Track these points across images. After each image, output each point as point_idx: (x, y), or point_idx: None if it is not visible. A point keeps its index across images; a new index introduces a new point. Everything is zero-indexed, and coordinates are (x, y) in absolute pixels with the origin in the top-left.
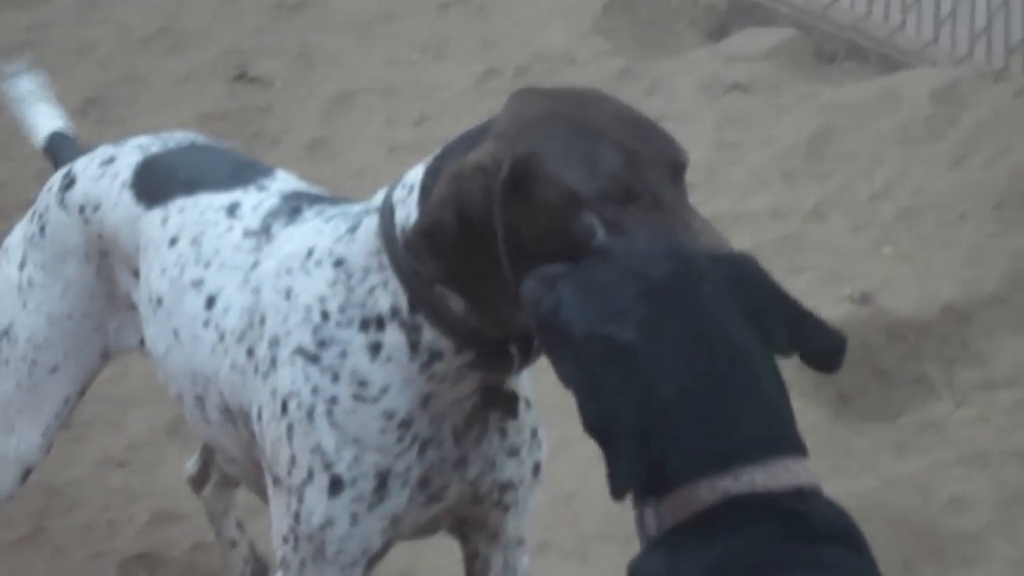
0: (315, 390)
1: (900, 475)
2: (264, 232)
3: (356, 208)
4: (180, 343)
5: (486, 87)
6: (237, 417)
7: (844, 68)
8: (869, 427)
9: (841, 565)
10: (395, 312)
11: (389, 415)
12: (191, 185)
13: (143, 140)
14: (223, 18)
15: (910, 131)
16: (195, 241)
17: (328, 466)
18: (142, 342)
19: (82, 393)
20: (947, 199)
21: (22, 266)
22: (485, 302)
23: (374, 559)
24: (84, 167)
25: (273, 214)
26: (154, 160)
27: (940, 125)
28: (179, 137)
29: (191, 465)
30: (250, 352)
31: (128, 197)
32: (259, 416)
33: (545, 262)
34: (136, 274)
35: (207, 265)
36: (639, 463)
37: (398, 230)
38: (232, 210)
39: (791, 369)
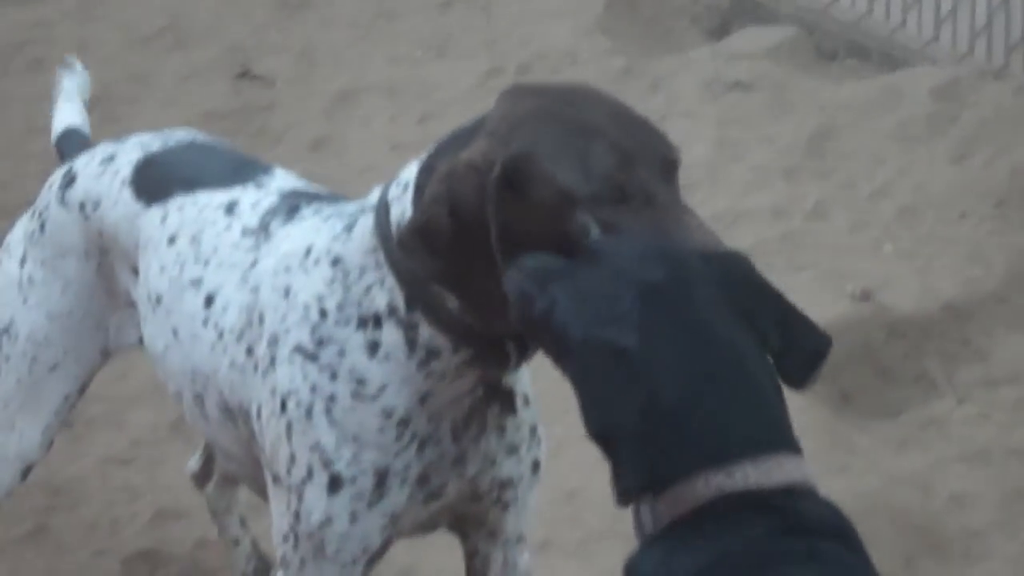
0: (314, 388)
1: (901, 472)
2: (262, 230)
3: (353, 206)
4: (179, 341)
5: (489, 85)
6: (237, 415)
7: (845, 66)
8: (870, 425)
9: (833, 562)
10: (392, 310)
11: (388, 413)
12: (190, 183)
13: (144, 138)
14: (226, 16)
15: (911, 129)
16: (194, 239)
17: (327, 464)
18: (142, 340)
19: (82, 391)
20: (948, 197)
21: (23, 263)
22: (478, 300)
23: (374, 557)
24: (84, 164)
25: (271, 212)
26: (154, 158)
27: (941, 123)
28: (180, 135)
29: (194, 462)
30: (249, 350)
31: (128, 195)
32: (258, 414)
33: None
34: (135, 272)
35: (206, 263)
36: (644, 469)
37: (393, 228)
38: (231, 208)
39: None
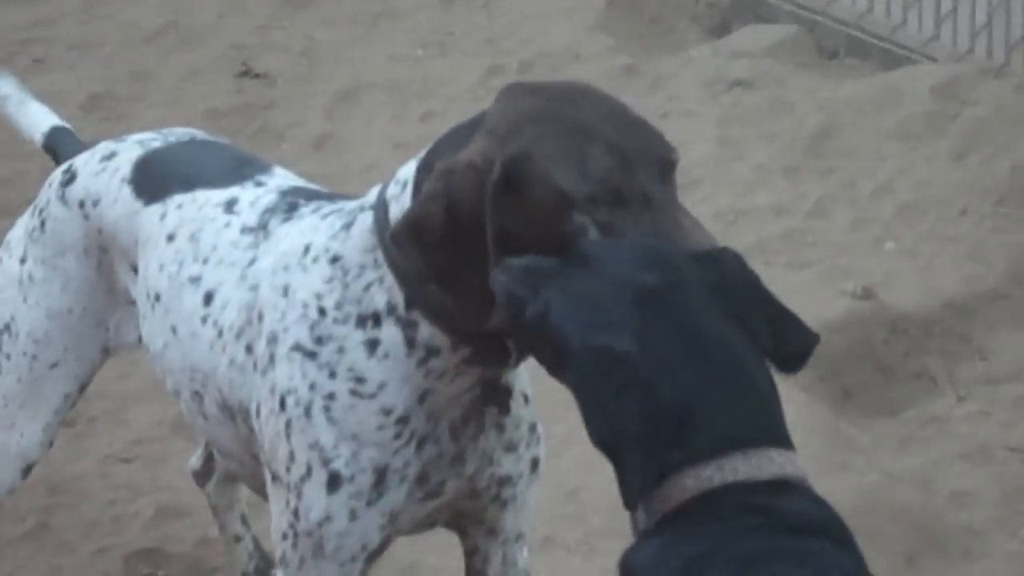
0: (313, 386)
1: (902, 470)
2: (262, 228)
3: (352, 205)
4: (178, 339)
5: (490, 83)
6: (236, 413)
7: (846, 64)
8: (871, 422)
9: (820, 558)
10: (391, 308)
11: (387, 411)
12: (189, 181)
13: (144, 136)
14: (228, 14)
15: (911, 127)
16: (193, 237)
17: (326, 462)
18: (141, 338)
19: (83, 389)
20: (948, 195)
21: (23, 261)
22: (466, 298)
23: (373, 555)
24: (85, 162)
25: (270, 210)
26: (153, 156)
27: (941, 121)
28: (180, 133)
29: (195, 460)
30: (248, 349)
31: (127, 192)
32: (257, 412)
33: None
34: (135, 270)
35: (205, 261)
36: (650, 473)
37: (392, 226)
38: (230, 206)
39: None
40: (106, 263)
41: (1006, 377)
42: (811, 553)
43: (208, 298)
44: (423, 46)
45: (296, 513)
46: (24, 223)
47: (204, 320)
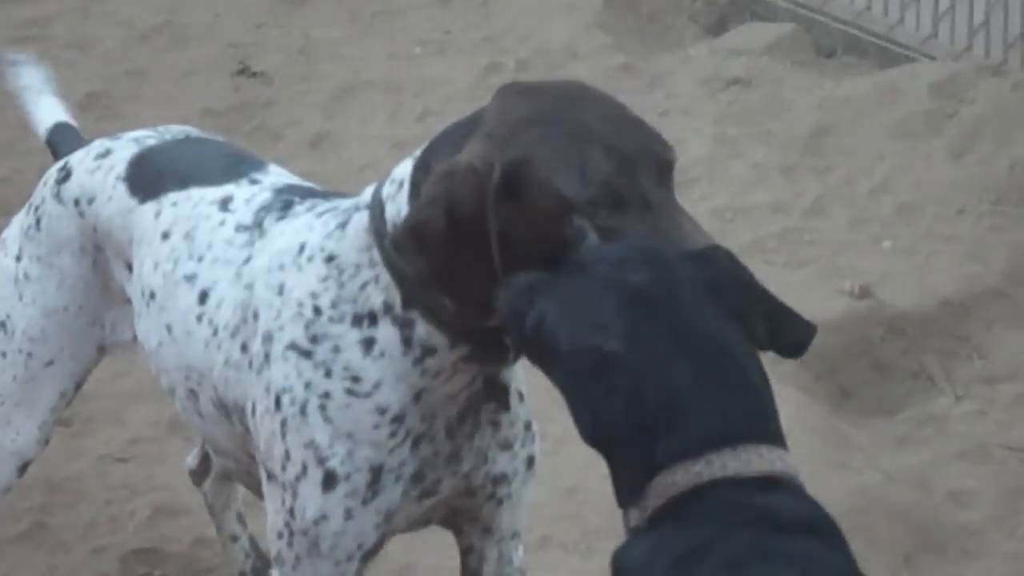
0: (308, 385)
1: (900, 469)
2: (256, 227)
3: (347, 203)
4: (173, 337)
5: (488, 82)
6: (231, 412)
7: (843, 62)
8: (869, 421)
9: (806, 557)
10: (388, 308)
11: (382, 410)
12: (184, 179)
13: (139, 133)
14: (225, 13)
15: (909, 126)
16: (188, 235)
17: (322, 461)
18: (136, 336)
19: (79, 387)
20: (947, 193)
21: (19, 259)
22: (468, 300)
23: (369, 554)
24: (80, 160)
25: (265, 208)
26: (148, 153)
27: (939, 119)
28: (175, 130)
29: (192, 458)
30: (244, 347)
31: (122, 190)
32: (253, 411)
33: (535, 262)
34: (130, 268)
35: (200, 260)
36: (640, 470)
37: (389, 226)
38: (225, 204)
39: (792, 364)
40: (101, 261)
41: (1004, 376)
42: (799, 552)
43: (203, 296)
44: (420, 44)
45: (292, 512)
46: (20, 221)
47: (199, 318)
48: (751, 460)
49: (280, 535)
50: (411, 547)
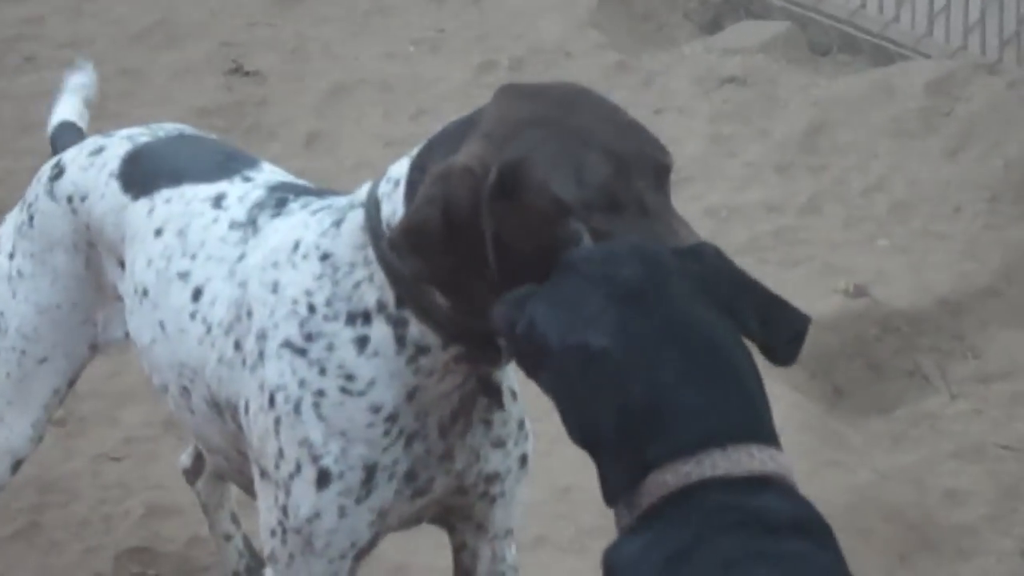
0: (302, 383)
1: (895, 468)
2: (250, 224)
3: (342, 201)
4: (166, 335)
5: (482, 80)
6: (224, 410)
7: (838, 61)
8: (864, 420)
9: (795, 558)
10: (381, 306)
11: (376, 409)
12: (177, 176)
13: (132, 130)
14: (218, 11)
15: (904, 124)
16: (181, 233)
17: (315, 459)
18: (128, 334)
19: (72, 384)
20: (942, 192)
21: (12, 256)
22: (465, 300)
23: (362, 552)
24: (73, 157)
25: (259, 206)
26: (141, 151)
27: (934, 117)
28: (168, 127)
29: (185, 457)
30: (237, 345)
31: (115, 187)
32: (246, 409)
33: (530, 264)
34: (123, 265)
35: (193, 257)
36: (629, 469)
37: (384, 225)
38: (218, 201)
39: None
40: (94, 258)
41: (999, 375)
42: (787, 553)
43: (196, 294)
44: (414, 43)
45: (285, 510)
46: (13, 218)
47: (192, 316)
48: (741, 460)
49: (273, 533)
50: (405, 546)
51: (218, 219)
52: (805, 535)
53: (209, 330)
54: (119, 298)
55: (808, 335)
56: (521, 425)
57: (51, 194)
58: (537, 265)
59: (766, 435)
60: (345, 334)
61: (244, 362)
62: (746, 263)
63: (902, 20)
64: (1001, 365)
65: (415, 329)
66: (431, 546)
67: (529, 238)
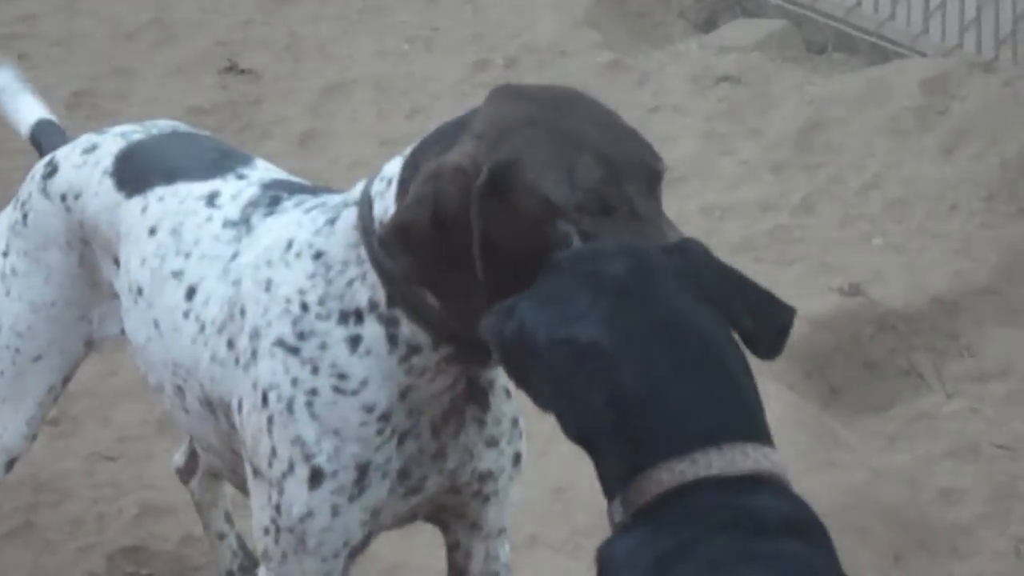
0: (295, 382)
1: (890, 467)
2: (244, 223)
3: (336, 200)
4: (160, 333)
5: (476, 79)
6: (217, 408)
7: (834, 59)
8: (859, 419)
9: (788, 559)
10: (373, 306)
11: (369, 408)
12: (171, 174)
13: (125, 128)
14: (212, 10)
15: (900, 122)
16: (175, 231)
17: (308, 458)
18: (124, 331)
19: (66, 382)
20: (937, 190)
21: (5, 254)
22: (454, 301)
23: (355, 551)
24: (66, 155)
25: (253, 204)
26: (135, 148)
27: (930, 116)
28: (161, 125)
29: (179, 456)
30: (230, 344)
31: (109, 185)
32: (240, 408)
33: (518, 266)
34: (117, 262)
35: (187, 256)
36: (624, 465)
37: (377, 224)
38: (211, 199)
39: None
40: (88, 256)
41: (994, 374)
42: (780, 554)
43: (190, 292)
44: (409, 41)
45: (278, 509)
46: (6, 216)
47: (186, 315)
48: (736, 459)
49: (267, 531)
50: (399, 546)
51: (212, 217)
52: (799, 535)
53: (202, 329)
54: (114, 295)
55: (804, 334)
56: (515, 424)
57: (45, 192)
58: (525, 267)
59: (759, 432)
60: (338, 333)
61: (237, 361)
62: (741, 262)
63: (898, 18)
64: (997, 364)
65: (406, 328)
66: (425, 545)
67: (518, 239)
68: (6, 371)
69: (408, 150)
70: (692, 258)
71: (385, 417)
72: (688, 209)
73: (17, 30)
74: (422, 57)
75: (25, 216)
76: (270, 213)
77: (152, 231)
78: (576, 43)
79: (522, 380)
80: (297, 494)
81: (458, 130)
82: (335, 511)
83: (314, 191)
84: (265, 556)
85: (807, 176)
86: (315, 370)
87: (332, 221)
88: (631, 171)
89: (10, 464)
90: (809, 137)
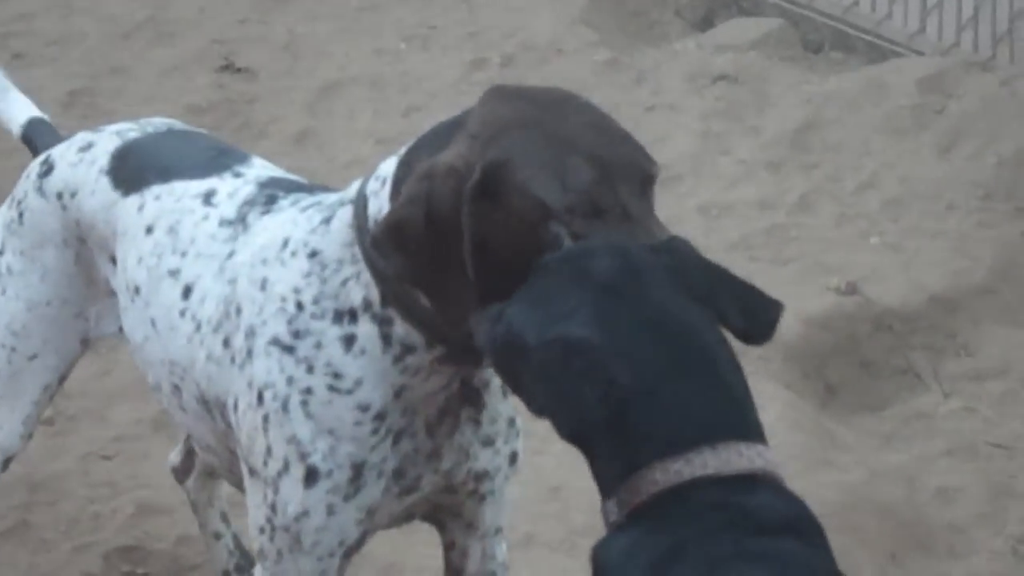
0: (290, 381)
1: (887, 467)
2: (240, 221)
3: (331, 198)
4: (157, 332)
5: (473, 78)
6: (213, 407)
7: (831, 58)
8: (856, 419)
9: (786, 557)
10: (367, 305)
11: (364, 407)
12: (167, 172)
13: (121, 126)
14: (208, 8)
15: (897, 121)
16: (171, 230)
17: (303, 456)
18: (122, 329)
19: (62, 380)
20: (934, 189)
21: (1, 253)
22: (445, 301)
23: (350, 550)
24: (62, 153)
25: (249, 203)
26: (131, 146)
27: (927, 115)
28: (157, 123)
29: (175, 455)
30: (226, 342)
31: (105, 183)
32: (235, 407)
33: (509, 267)
34: (114, 261)
35: (183, 254)
36: (618, 465)
37: (371, 223)
38: (208, 198)
39: (779, 361)
40: (85, 254)
41: (991, 373)
42: (776, 553)
43: (187, 291)
44: (405, 40)
45: (273, 508)
46: (2, 215)
47: (182, 313)
48: (731, 458)
49: (262, 530)
50: (396, 545)
51: (208, 216)
52: (796, 534)
53: (198, 327)
54: (111, 293)
55: (800, 333)
56: (511, 423)
57: (40, 191)
58: (517, 269)
59: (753, 431)
60: (332, 332)
61: (233, 359)
62: (737, 261)
63: (895, 17)
64: (994, 363)
65: (400, 328)
66: (422, 544)
67: (509, 240)
68: (1, 370)
69: (403, 149)
70: (679, 256)
71: (380, 416)
72: (685, 208)
73: (13, 29)
74: (419, 56)
75: (21, 215)
76: (266, 212)
77: (149, 229)
78: (573, 42)
79: (515, 384)
80: (292, 493)
81: (453, 130)
82: (330, 510)
83: (311, 189)
84: (261, 555)
85: (804, 175)
86: (310, 369)
87: (328, 220)
88: (623, 173)
89: (6, 463)
90: (806, 136)
